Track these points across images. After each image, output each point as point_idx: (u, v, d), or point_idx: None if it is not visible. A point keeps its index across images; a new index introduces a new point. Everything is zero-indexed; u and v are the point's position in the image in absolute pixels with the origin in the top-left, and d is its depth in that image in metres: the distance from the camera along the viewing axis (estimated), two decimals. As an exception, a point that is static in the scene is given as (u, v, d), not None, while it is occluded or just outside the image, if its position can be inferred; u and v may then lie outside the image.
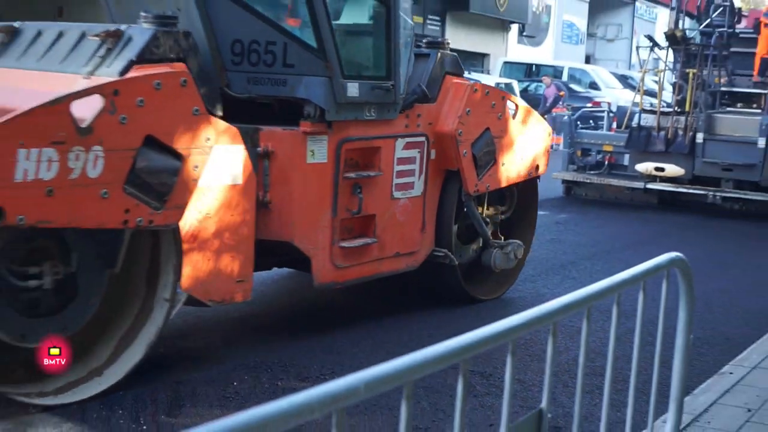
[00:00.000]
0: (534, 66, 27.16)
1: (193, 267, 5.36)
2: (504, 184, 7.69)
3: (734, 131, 13.57)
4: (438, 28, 27.36)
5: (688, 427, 4.63)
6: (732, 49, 14.48)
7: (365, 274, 6.73)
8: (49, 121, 4.52)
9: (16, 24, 5.95)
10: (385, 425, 4.24)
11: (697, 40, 14.57)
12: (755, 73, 14.12)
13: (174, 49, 5.32)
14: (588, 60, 37.37)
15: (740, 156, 13.21)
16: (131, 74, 4.99)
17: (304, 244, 6.09)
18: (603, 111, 18.15)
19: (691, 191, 13.55)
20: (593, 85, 25.57)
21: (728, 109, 14.17)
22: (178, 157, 5.10)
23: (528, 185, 8.16)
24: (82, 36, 5.40)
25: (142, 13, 5.45)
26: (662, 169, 13.47)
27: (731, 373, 5.67)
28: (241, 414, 1.63)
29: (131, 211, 4.88)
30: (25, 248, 4.89)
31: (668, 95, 14.77)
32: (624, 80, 26.60)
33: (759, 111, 13.68)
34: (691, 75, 14.04)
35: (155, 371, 5.45)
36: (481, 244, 7.66)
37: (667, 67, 14.90)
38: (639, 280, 3.11)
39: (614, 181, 13.93)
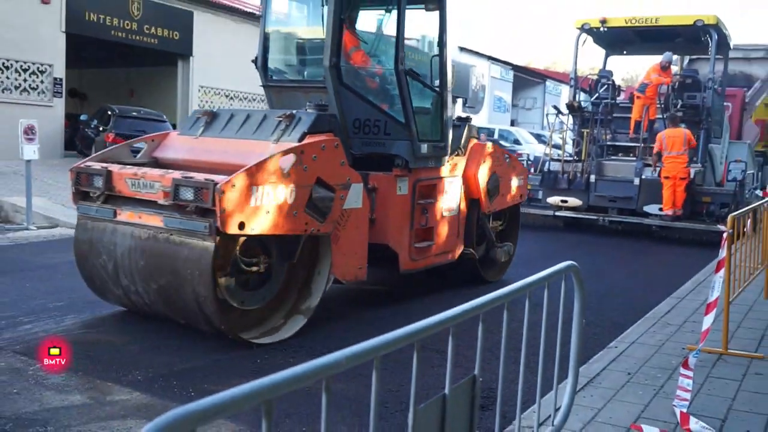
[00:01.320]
0: (474, 128, 27.14)
1: (336, 258, 6.17)
2: (503, 207, 8.61)
3: (617, 173, 13.70)
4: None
5: (585, 387, 4.64)
6: (614, 115, 14.59)
7: (428, 264, 7.50)
8: (268, 169, 5.38)
9: (215, 109, 6.79)
10: (365, 389, 4.22)
11: (590, 108, 14.69)
12: (631, 131, 14.26)
13: (327, 125, 6.25)
14: (512, 123, 37.56)
15: (621, 191, 13.33)
16: (306, 141, 5.88)
17: (395, 245, 6.96)
18: (523, 160, 18.23)
19: (587, 217, 13.61)
20: (516, 141, 25.65)
21: (612, 157, 14.27)
22: (333, 190, 5.94)
23: (515, 208, 9.13)
24: (264, 117, 6.31)
25: (308, 103, 6.49)
26: (566, 201, 13.56)
27: (616, 347, 5.70)
28: (256, 382, 1.63)
29: (308, 224, 5.79)
30: (247, 246, 5.68)
31: (570, 148, 14.88)
32: (538, 138, 26.70)
33: (634, 159, 13.78)
34: (585, 134, 14.17)
35: (201, 352, 5.43)
36: (488, 245, 8.53)
37: (568, 128, 15.01)
38: (544, 282, 3.12)
39: (532, 210, 13.97)
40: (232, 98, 23.76)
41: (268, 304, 5.97)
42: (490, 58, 36.46)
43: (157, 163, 6.43)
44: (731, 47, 15.09)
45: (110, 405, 4.33)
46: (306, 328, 6.21)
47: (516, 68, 39.70)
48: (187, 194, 5.27)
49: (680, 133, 12.66)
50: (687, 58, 17.56)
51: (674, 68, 15.36)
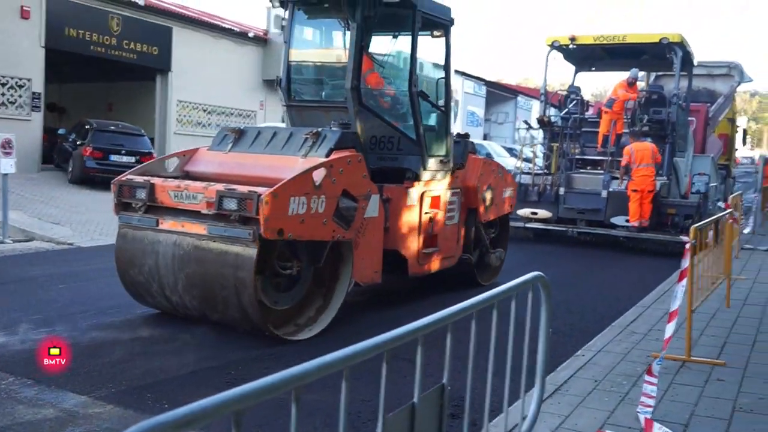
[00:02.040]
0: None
1: (356, 263, 6.62)
2: (497, 216, 9.20)
3: (585, 186, 13.81)
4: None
5: (552, 395, 4.67)
6: (583, 129, 14.72)
7: (433, 269, 7.97)
8: (304, 182, 5.87)
9: (242, 126, 7.23)
10: (338, 398, 4.20)
11: (559, 123, 14.80)
12: (599, 145, 14.35)
13: (350, 142, 6.68)
14: (485, 137, 37.75)
15: (589, 203, 13.42)
16: (333, 156, 6.33)
17: (405, 251, 7.44)
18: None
19: (556, 228, 13.66)
20: (489, 155, 25.69)
21: (581, 170, 14.38)
22: (356, 201, 6.43)
23: (505, 217, 9.73)
24: (291, 134, 6.73)
25: (333, 122, 6.94)
26: (536, 213, 13.60)
27: (583, 356, 5.75)
28: (225, 393, 1.63)
29: (335, 231, 6.27)
30: (280, 252, 6.13)
31: (540, 161, 14.99)
32: (510, 151, 26.76)
33: (602, 172, 13.88)
34: (555, 147, 14.28)
35: (176, 364, 5.38)
36: (482, 251, 9.06)
37: (538, 142, 15.14)
38: (512, 292, 3.13)
39: (504, 222, 14.04)
40: (210, 113, 23.65)
41: (296, 304, 6.43)
42: (463, 74, 36.67)
43: (188, 176, 6.79)
44: (695, 64, 15.36)
45: (83, 419, 4.26)
46: (289, 341, 6.18)
47: (488, 84, 39.94)
48: (231, 204, 5.74)
49: (647, 146, 12.83)
50: (653, 75, 17.81)
51: (640, 84, 15.56)
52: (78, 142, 17.38)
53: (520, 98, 42.88)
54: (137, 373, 5.11)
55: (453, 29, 8.01)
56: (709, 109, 17.35)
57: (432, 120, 8.00)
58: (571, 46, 14.49)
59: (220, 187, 5.90)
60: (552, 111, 15.60)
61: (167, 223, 6.21)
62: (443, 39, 7.94)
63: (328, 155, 6.34)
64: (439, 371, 4.69)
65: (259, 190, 5.63)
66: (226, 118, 24.13)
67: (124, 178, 6.59)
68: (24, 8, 17.83)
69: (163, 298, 6.36)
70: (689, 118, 15.44)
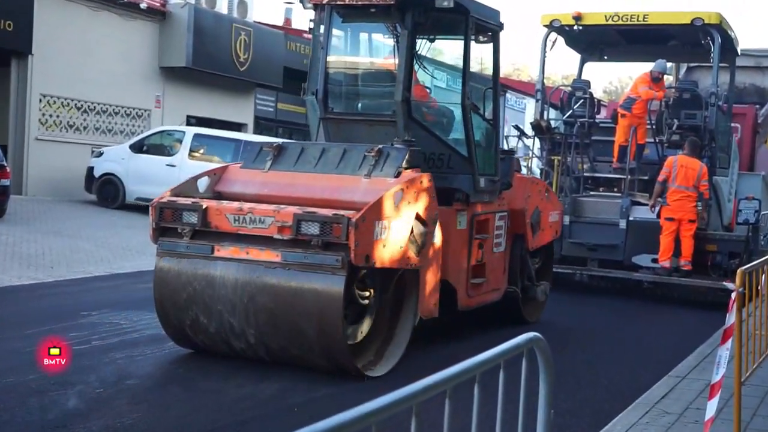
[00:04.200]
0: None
1: (419, 294, 7.65)
2: (543, 243, 10.51)
3: (598, 213, 13.84)
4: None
5: (557, 499, 4.64)
6: (593, 138, 14.77)
7: (480, 302, 9.12)
8: (386, 204, 7.00)
9: (280, 141, 8.40)
10: None
11: (561, 129, 14.89)
12: (614, 159, 14.37)
13: (416, 160, 7.76)
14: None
15: (604, 237, 13.46)
16: (405, 176, 7.46)
17: (454, 281, 8.49)
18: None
19: (560, 270, 13.49)
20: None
21: (591, 193, 14.43)
22: (427, 225, 7.53)
23: (549, 245, 10.97)
24: (345, 151, 7.86)
25: (396, 138, 8.03)
26: (533, 250, 13.67)
27: (598, 444, 5.75)
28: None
29: (409, 258, 7.37)
30: (358, 281, 7.26)
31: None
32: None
33: (619, 195, 13.93)
34: (556, 162, 14.37)
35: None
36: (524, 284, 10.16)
37: (534, 155, 15.21)
38: (498, 360, 3.11)
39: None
40: (86, 111, 23.37)
41: (364, 338, 7.42)
42: (437, 63, 36.98)
43: (221, 197, 7.80)
44: (739, 53, 15.56)
45: None
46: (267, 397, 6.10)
47: (467, 76, 40.32)
48: (312, 229, 6.74)
49: (697, 165, 12.73)
50: (683, 67, 18.13)
51: (668, 79, 15.79)
52: None
53: (510, 95, 43.36)
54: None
55: (501, 34, 9.31)
56: (759, 112, 17.70)
57: (480, 135, 9.13)
58: (575, 28, 14.55)
59: (297, 209, 6.92)
60: (552, 113, 15.72)
61: (226, 250, 7.14)
62: (490, 45, 9.23)
63: (397, 175, 7.42)
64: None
65: (347, 213, 6.69)
66: (109, 119, 23.89)
67: (165, 200, 7.42)
68: None
69: (216, 334, 7.23)
70: (732, 124, 15.70)
